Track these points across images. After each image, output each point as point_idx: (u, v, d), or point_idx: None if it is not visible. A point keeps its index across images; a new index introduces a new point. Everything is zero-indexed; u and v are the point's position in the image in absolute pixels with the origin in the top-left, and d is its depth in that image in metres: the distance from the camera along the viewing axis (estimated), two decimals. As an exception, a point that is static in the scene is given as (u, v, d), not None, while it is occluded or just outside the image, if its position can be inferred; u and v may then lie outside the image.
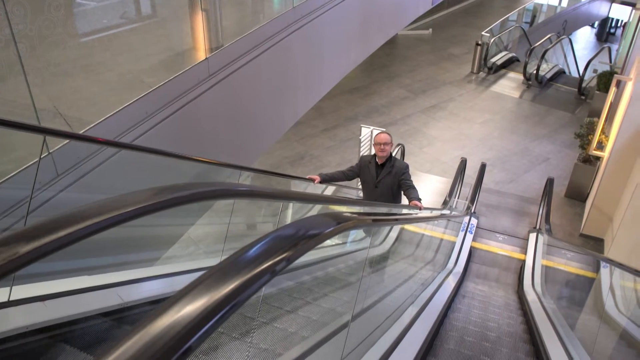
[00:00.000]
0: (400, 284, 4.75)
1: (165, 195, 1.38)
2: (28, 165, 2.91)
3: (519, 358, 4.15)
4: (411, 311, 3.92)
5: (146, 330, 0.69)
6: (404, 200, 5.12)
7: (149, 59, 4.30)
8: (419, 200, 4.69)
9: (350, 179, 5.18)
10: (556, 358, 3.90)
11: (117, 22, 4.34)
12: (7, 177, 2.79)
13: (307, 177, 4.86)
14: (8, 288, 2.26)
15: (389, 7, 9.16)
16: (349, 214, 1.51)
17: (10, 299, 2.26)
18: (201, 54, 4.12)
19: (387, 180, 4.87)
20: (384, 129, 5.30)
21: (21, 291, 2.34)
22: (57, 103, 3.56)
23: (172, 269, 3.50)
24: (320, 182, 4.91)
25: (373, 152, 5.15)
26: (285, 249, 1.03)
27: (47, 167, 2.98)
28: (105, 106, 3.61)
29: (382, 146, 4.81)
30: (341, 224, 1.39)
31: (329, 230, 1.27)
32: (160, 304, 0.76)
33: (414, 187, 4.82)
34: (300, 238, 1.13)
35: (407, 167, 4.96)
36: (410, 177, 4.96)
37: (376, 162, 4.92)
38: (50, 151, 2.98)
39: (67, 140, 3.04)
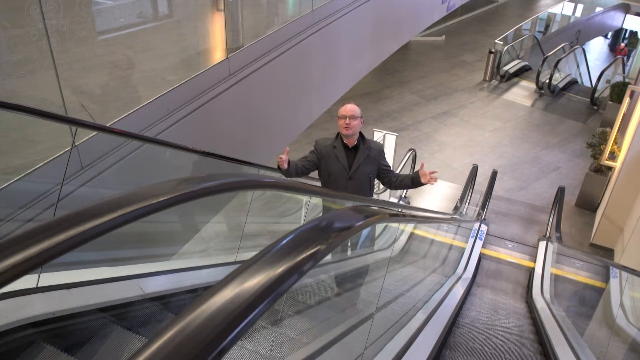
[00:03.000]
0: (410, 288, 4.78)
1: (196, 185, 1.42)
2: (54, 157, 2.98)
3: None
4: (421, 316, 3.96)
5: (211, 300, 0.74)
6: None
7: (170, 58, 4.38)
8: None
9: (305, 173, 3.87)
10: (566, 363, 3.93)
11: (135, 21, 4.41)
12: (34, 168, 2.86)
13: (281, 156, 3.59)
14: (36, 275, 2.33)
15: (404, 13, 9.22)
16: (377, 208, 1.55)
17: (38, 285, 2.32)
18: (222, 54, 4.19)
19: (365, 167, 3.77)
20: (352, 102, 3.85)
21: (47, 279, 2.40)
22: (81, 97, 3.64)
23: (188, 264, 3.56)
24: (284, 172, 3.68)
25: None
26: (322, 239, 1.07)
27: (72, 160, 3.05)
28: (128, 102, 3.68)
29: (347, 120, 3.63)
30: (369, 218, 1.43)
31: (360, 223, 1.32)
32: (217, 282, 0.81)
33: (399, 173, 3.93)
34: (336, 229, 1.18)
35: (383, 147, 3.97)
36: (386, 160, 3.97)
37: (345, 146, 3.76)
38: (76, 144, 3.05)
39: (93, 134, 3.12)
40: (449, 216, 6.28)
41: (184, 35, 4.55)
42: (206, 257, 3.98)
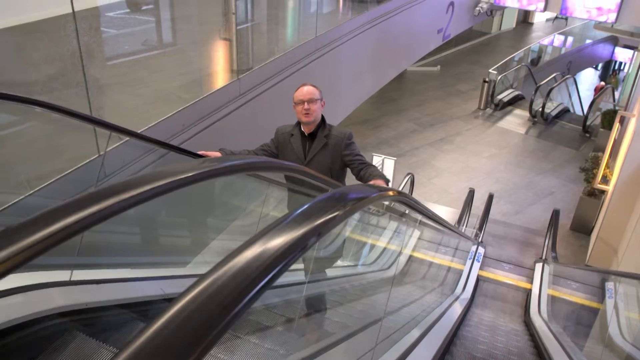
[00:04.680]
0: (408, 304, 4.92)
1: (221, 164, 1.56)
2: (81, 165, 3.18)
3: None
4: (416, 332, 4.09)
5: (238, 257, 0.82)
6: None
7: (183, 78, 4.62)
8: (387, 181, 3.13)
9: None
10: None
11: (149, 47, 4.68)
12: (64, 174, 3.05)
13: (199, 152, 3.25)
14: (69, 271, 2.50)
15: (402, 41, 9.58)
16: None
17: (71, 279, 2.50)
18: (234, 75, 4.43)
19: (322, 158, 3.31)
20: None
21: (78, 275, 2.58)
22: (100, 113, 3.85)
23: (202, 271, 3.72)
24: None
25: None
26: (339, 206, 1.14)
27: (97, 168, 3.25)
28: (145, 118, 3.90)
29: (305, 105, 3.21)
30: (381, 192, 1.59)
31: (374, 195, 1.47)
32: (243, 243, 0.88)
33: (371, 165, 3.29)
34: (352, 199, 1.25)
35: (351, 135, 3.37)
36: (359, 150, 3.39)
37: (302, 133, 3.35)
38: (101, 153, 3.25)
39: (116, 145, 3.32)
40: (453, 225, 6.39)
41: (195, 57, 4.81)
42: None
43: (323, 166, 3.29)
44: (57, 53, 4.15)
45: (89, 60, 3.70)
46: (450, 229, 5.90)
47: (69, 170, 3.08)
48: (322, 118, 3.36)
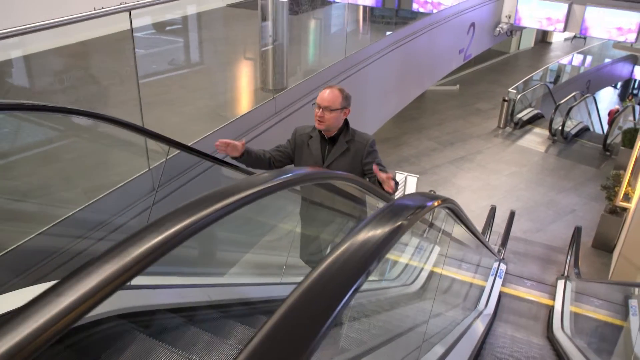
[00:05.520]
0: (433, 318, 5.04)
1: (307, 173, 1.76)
2: (132, 178, 3.41)
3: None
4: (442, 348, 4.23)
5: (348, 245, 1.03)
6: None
7: (221, 97, 4.87)
8: (396, 183, 2.88)
9: (277, 166, 3.29)
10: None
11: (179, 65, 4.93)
12: (117, 186, 3.28)
13: (224, 140, 3.08)
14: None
15: (426, 61, 9.82)
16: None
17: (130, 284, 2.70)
18: (269, 94, 4.67)
19: (342, 164, 3.12)
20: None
21: (135, 280, 2.78)
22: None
23: (239, 281, 3.93)
24: (238, 159, 3.15)
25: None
26: (407, 214, 1.32)
27: (146, 181, 3.47)
28: (188, 134, 4.13)
29: (320, 112, 3.03)
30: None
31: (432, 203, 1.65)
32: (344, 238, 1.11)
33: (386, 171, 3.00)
34: (415, 206, 1.49)
35: (374, 142, 3.18)
36: (380, 159, 3.16)
37: (322, 136, 3.17)
38: (150, 167, 3.48)
39: (163, 160, 3.55)
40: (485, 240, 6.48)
41: (233, 78, 5.06)
42: (254, 276, 4.34)
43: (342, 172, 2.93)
44: (103, 73, 4.40)
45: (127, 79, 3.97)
46: (482, 241, 5.97)
47: (122, 183, 3.30)
48: (346, 122, 3.18)
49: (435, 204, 1.57)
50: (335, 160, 3.13)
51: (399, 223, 1.18)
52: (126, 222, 3.14)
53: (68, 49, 5.38)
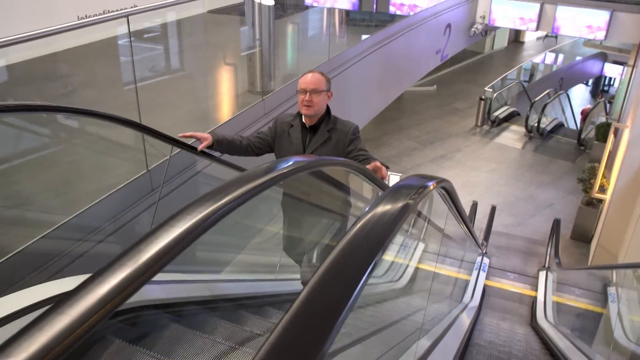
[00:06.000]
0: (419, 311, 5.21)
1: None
2: (131, 180, 3.51)
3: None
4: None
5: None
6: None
7: (210, 100, 4.98)
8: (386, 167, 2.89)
9: (256, 153, 3.23)
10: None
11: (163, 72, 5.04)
12: (118, 187, 3.38)
13: (188, 133, 2.99)
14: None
15: (405, 62, 10.06)
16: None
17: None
18: (258, 97, 4.80)
19: (323, 153, 3.02)
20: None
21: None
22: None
23: (237, 277, 4.05)
24: (211, 148, 3.08)
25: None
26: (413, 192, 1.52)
27: (145, 183, 3.57)
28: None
29: (307, 95, 2.93)
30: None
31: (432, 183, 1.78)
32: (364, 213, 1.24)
33: (374, 159, 2.95)
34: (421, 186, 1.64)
35: (356, 130, 3.09)
36: (363, 145, 3.12)
37: (303, 124, 3.08)
38: (149, 168, 3.58)
39: (160, 162, 3.66)
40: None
41: (224, 82, 5.18)
42: (249, 273, 4.45)
43: None
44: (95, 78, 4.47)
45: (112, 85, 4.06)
46: (468, 227, 6.03)
47: (123, 184, 3.40)
48: (327, 109, 3.07)
49: (435, 184, 1.72)
50: (316, 150, 3.02)
51: (406, 202, 1.31)
52: (134, 218, 3.24)
53: (56, 57, 5.44)
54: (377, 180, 2.64)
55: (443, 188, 2.20)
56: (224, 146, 3.12)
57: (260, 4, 4.46)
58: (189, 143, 3.23)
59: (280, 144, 3.15)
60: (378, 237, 1.10)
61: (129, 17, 3.06)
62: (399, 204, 1.28)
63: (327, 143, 3.03)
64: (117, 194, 3.29)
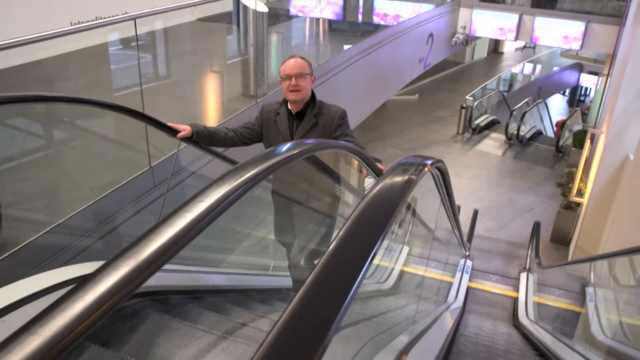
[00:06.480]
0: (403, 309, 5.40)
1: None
2: (135, 175, 3.66)
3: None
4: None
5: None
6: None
7: (205, 103, 5.15)
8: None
9: (244, 143, 3.25)
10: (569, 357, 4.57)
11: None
12: (123, 183, 3.53)
13: (168, 124, 3.05)
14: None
15: (390, 70, 10.35)
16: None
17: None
18: (252, 100, 4.99)
19: (311, 138, 2.99)
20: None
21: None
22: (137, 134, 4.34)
23: (235, 271, 4.21)
24: (190, 139, 3.08)
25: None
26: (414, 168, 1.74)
27: (148, 179, 3.72)
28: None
29: (293, 81, 2.94)
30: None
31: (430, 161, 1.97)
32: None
33: (363, 149, 2.91)
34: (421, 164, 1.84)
35: (344, 114, 3.11)
36: (351, 131, 3.14)
37: (289, 112, 3.09)
38: (152, 165, 3.73)
39: (164, 158, 3.81)
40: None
41: (220, 86, 5.34)
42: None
43: None
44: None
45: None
46: (456, 218, 6.11)
47: (127, 180, 3.54)
48: (313, 94, 3.07)
49: (432, 162, 1.92)
50: (304, 136, 3.03)
51: (409, 176, 1.51)
52: (142, 209, 3.39)
53: (49, 61, 5.55)
54: (373, 166, 2.78)
55: (438, 169, 2.38)
56: (205, 137, 3.11)
57: (255, 11, 4.67)
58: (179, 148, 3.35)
59: (268, 132, 3.16)
60: (395, 196, 1.29)
61: (136, 20, 3.23)
62: (413, 168, 1.49)
63: (314, 129, 3.04)
64: (123, 188, 3.44)
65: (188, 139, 3.07)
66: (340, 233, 1.06)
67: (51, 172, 3.59)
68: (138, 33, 7.55)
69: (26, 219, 3.23)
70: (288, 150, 1.71)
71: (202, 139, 3.10)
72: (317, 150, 2.13)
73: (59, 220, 3.04)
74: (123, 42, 7.07)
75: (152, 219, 3.49)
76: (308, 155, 2.08)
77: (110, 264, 0.93)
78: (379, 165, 2.92)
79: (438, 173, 2.48)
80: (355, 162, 3.22)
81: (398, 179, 1.43)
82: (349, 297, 0.85)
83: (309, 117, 3.03)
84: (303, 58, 3.02)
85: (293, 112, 3.07)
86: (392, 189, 1.32)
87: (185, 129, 3.02)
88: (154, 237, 1.03)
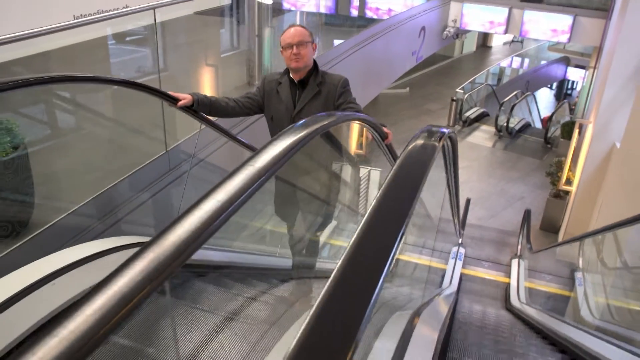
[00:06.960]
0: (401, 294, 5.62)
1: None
2: (148, 161, 3.83)
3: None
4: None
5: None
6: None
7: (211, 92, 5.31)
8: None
9: (246, 112, 3.24)
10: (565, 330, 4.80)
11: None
12: (138, 168, 3.70)
13: (169, 92, 3.03)
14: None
15: (384, 63, 10.56)
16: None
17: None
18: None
19: (313, 108, 3.00)
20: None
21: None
22: (146, 122, 4.50)
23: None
24: (191, 108, 3.06)
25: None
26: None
27: (164, 162, 3.90)
28: (189, 126, 4.56)
29: (294, 49, 2.93)
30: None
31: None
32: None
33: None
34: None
35: (346, 82, 3.09)
36: (354, 99, 3.13)
37: (291, 81, 3.07)
38: (167, 149, 3.91)
39: (178, 143, 3.99)
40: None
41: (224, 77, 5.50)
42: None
43: None
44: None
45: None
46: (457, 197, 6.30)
47: (146, 162, 3.72)
48: (315, 63, 3.07)
49: (447, 130, 2.11)
50: (307, 105, 3.02)
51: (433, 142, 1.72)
52: (165, 186, 3.56)
53: (51, 54, 5.65)
54: (380, 130, 3.03)
55: (449, 138, 2.49)
56: (206, 106, 3.10)
57: (260, 3, 4.84)
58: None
59: (270, 102, 3.15)
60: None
61: (155, 10, 3.40)
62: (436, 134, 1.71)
63: (317, 97, 3.03)
64: (141, 171, 3.62)
65: (188, 108, 3.07)
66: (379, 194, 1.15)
67: (72, 157, 3.75)
68: (135, 27, 7.69)
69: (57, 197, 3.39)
70: (323, 119, 1.85)
71: (203, 108, 3.10)
72: (345, 121, 2.31)
73: (91, 197, 3.21)
74: (116, 37, 7.19)
75: (170, 200, 3.67)
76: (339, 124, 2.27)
77: (174, 224, 0.93)
78: (384, 129, 3.18)
79: (449, 144, 2.55)
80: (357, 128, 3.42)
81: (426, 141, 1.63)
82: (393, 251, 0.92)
83: (312, 85, 3.03)
84: (303, 27, 3.03)
85: (295, 81, 3.06)
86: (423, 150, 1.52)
87: (185, 97, 3.01)
88: (218, 192, 1.06)
